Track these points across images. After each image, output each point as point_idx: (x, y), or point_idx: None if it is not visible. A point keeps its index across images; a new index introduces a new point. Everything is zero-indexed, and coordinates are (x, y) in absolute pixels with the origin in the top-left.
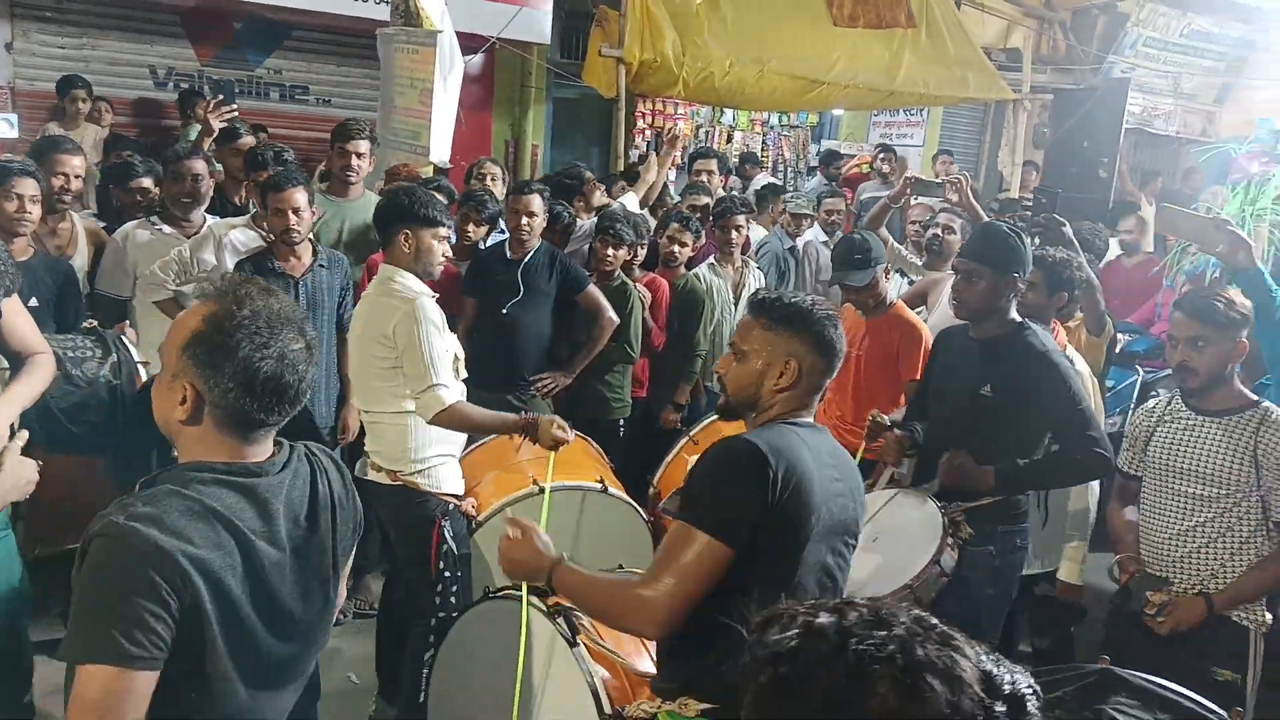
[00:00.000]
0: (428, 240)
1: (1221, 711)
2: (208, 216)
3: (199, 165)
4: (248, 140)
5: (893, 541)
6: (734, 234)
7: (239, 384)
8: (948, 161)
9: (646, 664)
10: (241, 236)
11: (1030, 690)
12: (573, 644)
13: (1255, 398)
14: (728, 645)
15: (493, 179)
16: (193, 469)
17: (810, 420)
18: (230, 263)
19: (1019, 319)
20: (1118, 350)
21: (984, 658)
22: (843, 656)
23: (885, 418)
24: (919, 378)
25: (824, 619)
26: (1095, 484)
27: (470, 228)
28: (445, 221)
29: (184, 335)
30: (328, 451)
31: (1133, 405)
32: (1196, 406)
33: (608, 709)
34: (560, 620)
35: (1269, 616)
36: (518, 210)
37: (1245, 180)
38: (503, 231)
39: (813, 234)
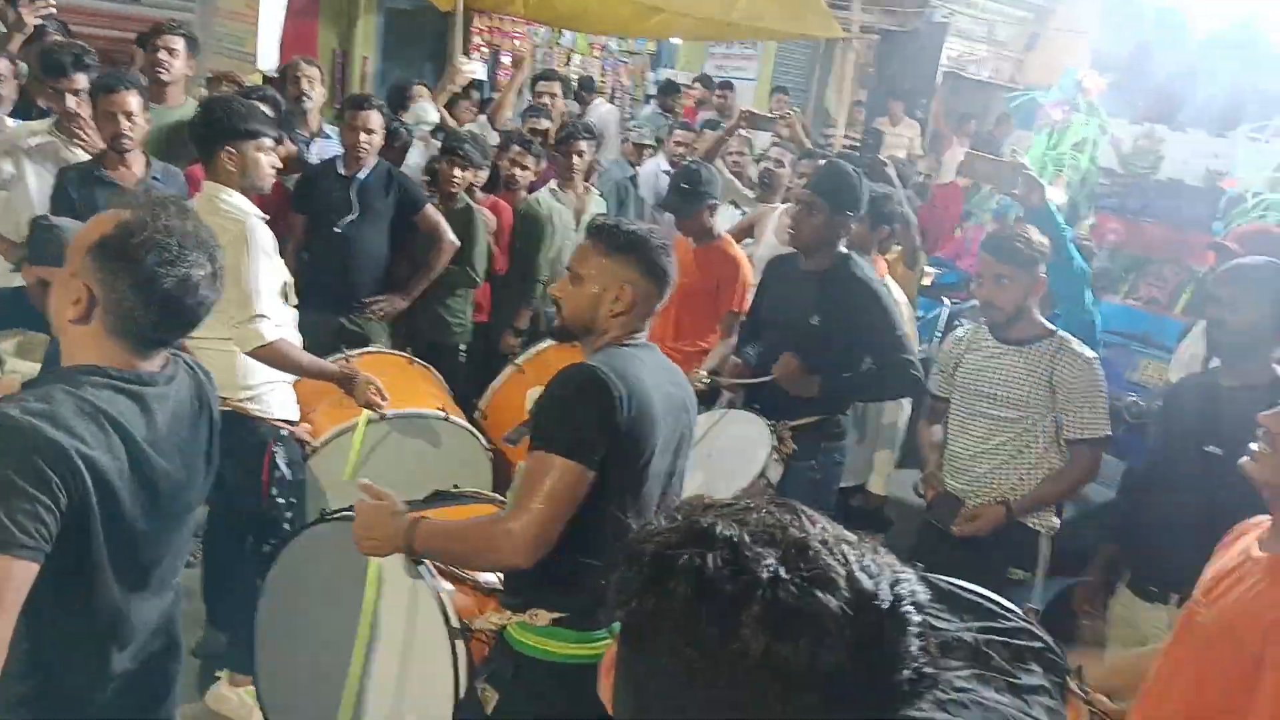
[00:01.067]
0: (253, 154)
1: (1016, 608)
2: (8, 121)
3: (0, 65)
4: (58, 39)
5: (723, 456)
6: (576, 159)
7: (137, 296)
8: (783, 99)
9: (492, 579)
10: (43, 144)
11: (908, 592)
12: (418, 561)
13: (1051, 328)
14: (572, 560)
15: (309, 82)
16: (84, 371)
17: (644, 340)
18: (31, 171)
19: (845, 251)
20: (929, 284)
21: (860, 573)
22: (695, 603)
23: (703, 374)
24: (739, 309)
25: (711, 561)
26: (907, 403)
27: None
28: (270, 132)
29: (93, 237)
30: (202, 366)
31: (940, 333)
32: (1000, 336)
33: (455, 622)
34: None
35: (1056, 521)
36: (356, 126)
37: (1049, 127)
38: (325, 135)
39: (655, 164)
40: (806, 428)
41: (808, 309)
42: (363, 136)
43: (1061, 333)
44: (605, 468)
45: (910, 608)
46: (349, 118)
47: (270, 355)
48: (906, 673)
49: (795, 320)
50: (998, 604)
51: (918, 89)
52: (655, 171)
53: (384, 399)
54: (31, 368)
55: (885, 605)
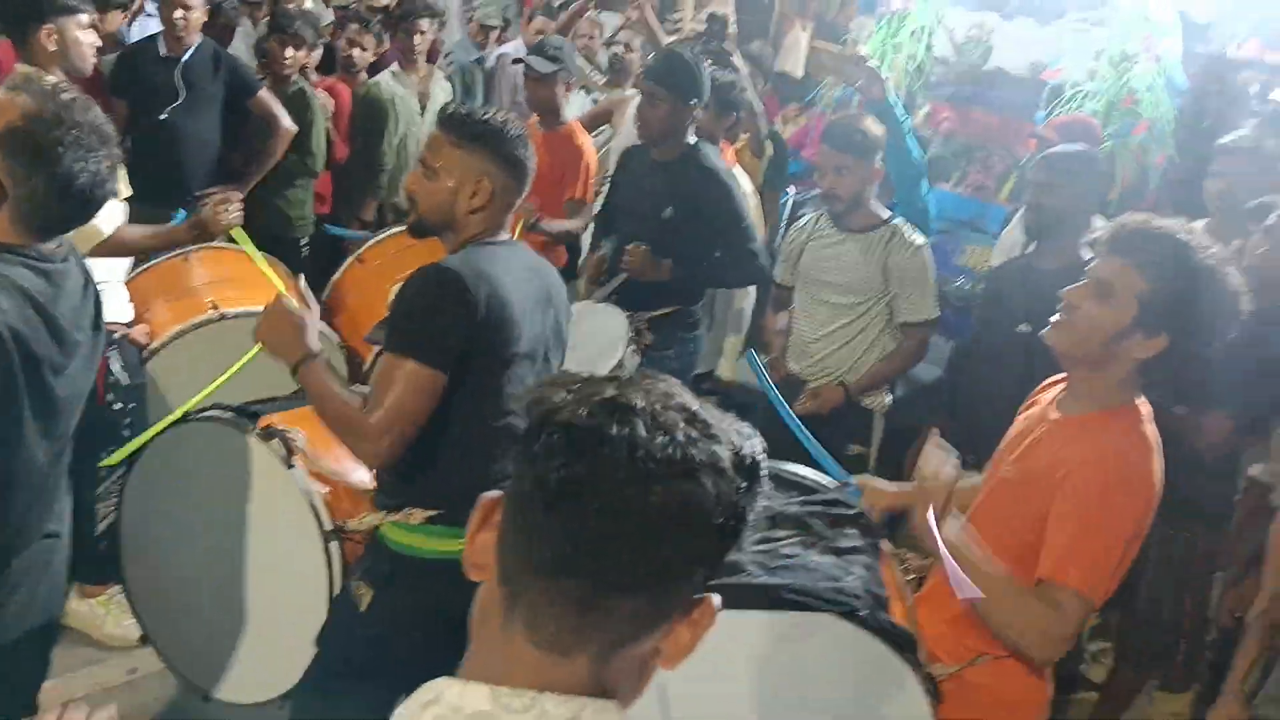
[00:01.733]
0: (73, 32)
1: (835, 483)
2: None
3: None
4: None
5: (583, 348)
6: (418, 38)
7: (52, 190)
8: None
9: (365, 478)
10: None
11: (761, 456)
12: (289, 465)
13: (886, 215)
14: (445, 459)
15: None
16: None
17: (506, 237)
18: None
19: (693, 141)
20: None
21: (732, 435)
22: (633, 464)
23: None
24: (582, 196)
25: (615, 429)
26: (752, 290)
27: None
28: (87, 7)
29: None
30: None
31: (784, 223)
32: (839, 225)
33: (328, 524)
34: (275, 442)
35: (889, 399)
36: (172, 2)
37: (888, 15)
38: (147, 13)
39: (513, 49)
40: (663, 318)
41: (659, 200)
42: (178, 12)
43: (896, 220)
44: (466, 369)
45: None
46: None
47: (113, 247)
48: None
49: (647, 212)
50: (817, 480)
51: None
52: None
53: (236, 210)
54: None
55: (757, 460)
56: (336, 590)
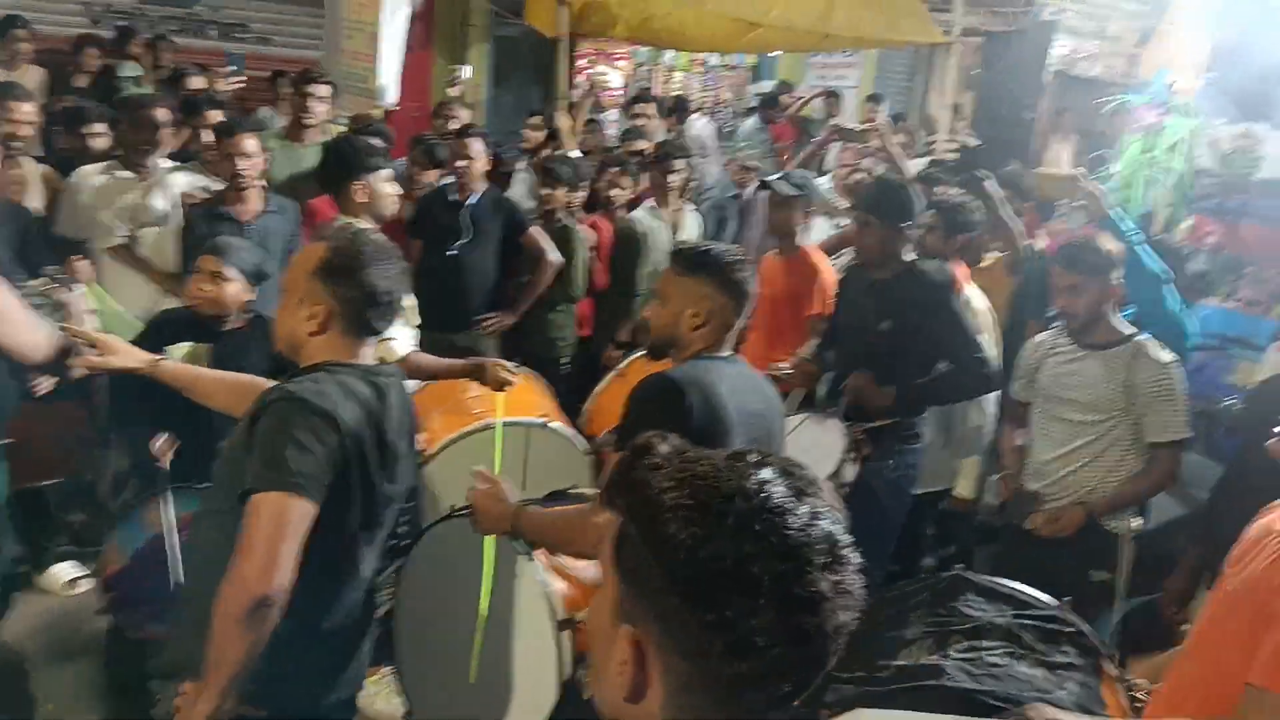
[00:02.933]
0: (379, 185)
1: (1052, 600)
2: (160, 162)
3: (161, 113)
4: (195, 81)
5: (801, 458)
6: (671, 178)
7: (366, 299)
8: (872, 108)
9: (595, 574)
10: (190, 182)
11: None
12: (529, 557)
13: (1130, 331)
14: None
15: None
16: (328, 366)
17: (728, 353)
18: (179, 207)
19: (910, 259)
20: None
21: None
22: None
23: (783, 367)
24: (821, 311)
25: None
26: (991, 407)
27: (419, 173)
28: (388, 164)
29: (313, 263)
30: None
31: None
32: (1079, 340)
33: (561, 615)
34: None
35: (1139, 523)
36: (458, 153)
37: (1142, 130)
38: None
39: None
40: (882, 430)
41: (877, 315)
42: (462, 163)
43: (1140, 336)
44: None
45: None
46: (453, 145)
47: (407, 368)
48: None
49: (866, 326)
50: (1032, 595)
51: (1023, 90)
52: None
53: (513, 374)
54: None
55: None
56: (565, 677)
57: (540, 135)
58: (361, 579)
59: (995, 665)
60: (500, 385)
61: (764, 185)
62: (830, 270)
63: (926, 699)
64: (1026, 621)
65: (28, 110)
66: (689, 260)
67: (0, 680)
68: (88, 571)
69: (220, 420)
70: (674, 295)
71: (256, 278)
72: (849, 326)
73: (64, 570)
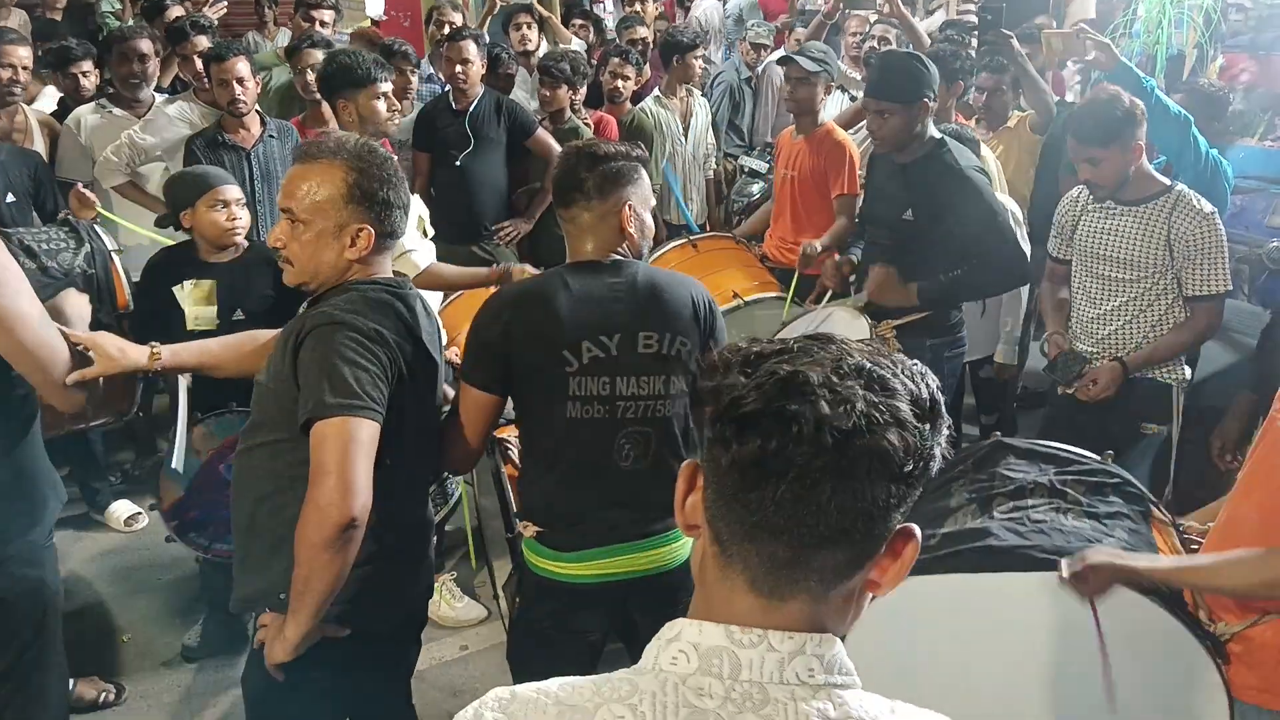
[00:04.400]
0: (367, 103)
1: (1095, 455)
2: (155, 95)
3: (145, 44)
4: (174, 11)
5: None
6: (695, 66)
7: (399, 209)
8: None
9: None
10: (182, 112)
11: (939, 394)
12: (496, 471)
13: (1167, 182)
14: (528, 479)
15: (449, 24)
16: (361, 283)
17: (599, 258)
18: (179, 139)
19: (939, 136)
20: None
21: (905, 382)
22: (820, 437)
23: (815, 244)
24: (850, 191)
25: (797, 405)
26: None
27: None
28: (380, 76)
29: (341, 187)
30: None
31: None
32: (1115, 197)
33: (514, 528)
34: (489, 451)
35: (1188, 372)
36: (452, 58)
37: None
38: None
39: (774, 61)
40: (912, 325)
41: (901, 204)
42: (458, 68)
43: (1179, 187)
44: (515, 389)
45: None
46: (445, 50)
47: (427, 280)
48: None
49: (890, 215)
50: (1074, 453)
51: None
52: (778, 71)
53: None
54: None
55: (936, 400)
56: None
57: (533, 34)
58: (422, 489)
59: (1041, 521)
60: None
61: (784, 61)
62: (854, 146)
63: (975, 560)
64: (1069, 477)
65: (23, 54)
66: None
67: (78, 614)
68: (141, 510)
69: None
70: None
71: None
72: (875, 215)
73: (122, 508)
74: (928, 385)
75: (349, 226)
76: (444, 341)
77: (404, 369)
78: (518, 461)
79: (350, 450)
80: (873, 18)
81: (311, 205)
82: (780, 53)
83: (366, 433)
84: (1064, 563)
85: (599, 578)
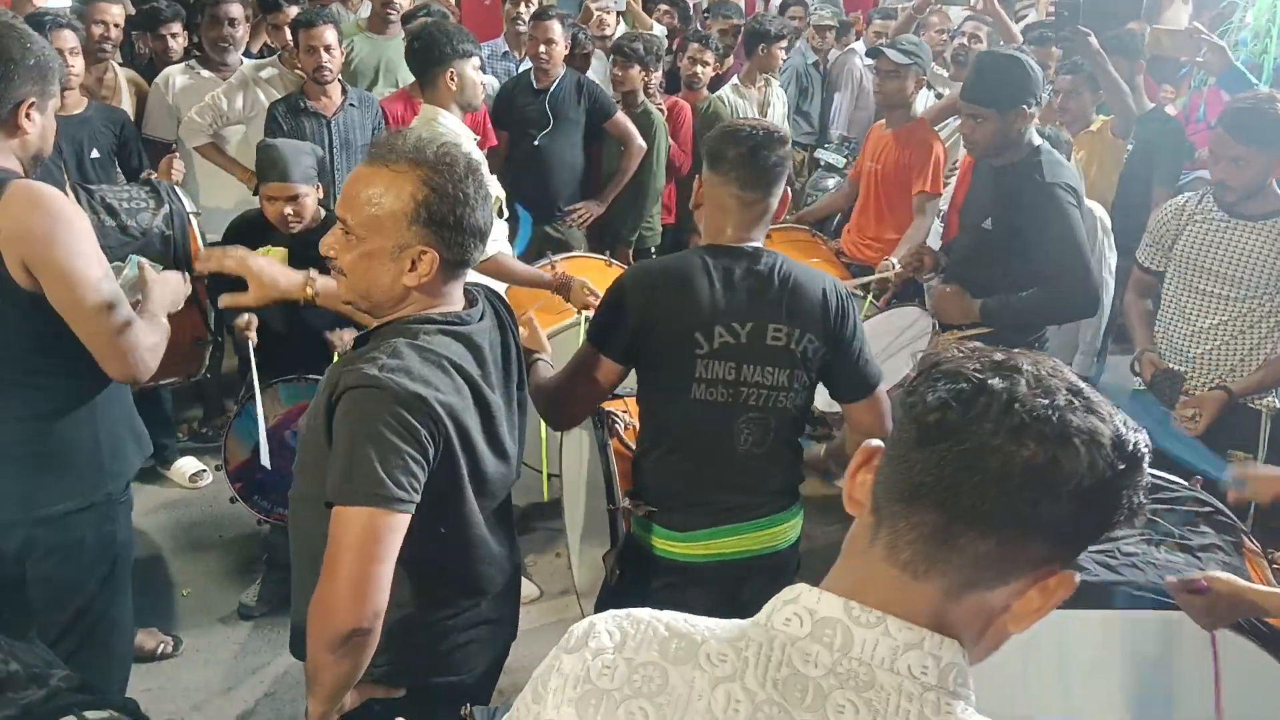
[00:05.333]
0: (469, 73)
1: (1184, 481)
2: (243, 60)
3: (235, 9)
4: None
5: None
6: (778, 57)
7: (471, 234)
8: None
9: None
10: (270, 76)
11: (1146, 448)
12: (603, 444)
13: None
14: (646, 459)
15: (527, 3)
16: (413, 322)
17: (744, 245)
18: (263, 104)
19: (1037, 144)
20: None
21: (1117, 421)
22: (1008, 415)
23: (894, 263)
24: (930, 190)
25: (996, 381)
26: (1110, 289)
27: None
28: (478, 50)
29: (408, 206)
30: (498, 294)
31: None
32: (1230, 209)
33: (618, 501)
34: (598, 423)
35: (1278, 402)
36: (537, 37)
37: None
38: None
39: (854, 50)
40: (979, 338)
41: (983, 210)
42: (543, 48)
43: None
44: (642, 365)
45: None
46: (530, 29)
47: (492, 269)
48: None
49: (974, 222)
50: (1164, 478)
51: None
52: (856, 62)
53: (597, 297)
54: None
55: (1140, 449)
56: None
57: (610, 17)
58: (489, 544)
59: (1133, 554)
60: (584, 307)
61: (873, 53)
62: (943, 144)
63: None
64: (1160, 506)
65: (116, 12)
66: (703, 140)
67: (139, 566)
68: (205, 468)
69: (312, 327)
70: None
71: (320, 174)
72: (963, 222)
73: (187, 464)
74: (1137, 435)
75: (411, 249)
76: (515, 325)
77: (452, 432)
78: (623, 436)
79: (367, 550)
80: (962, 13)
81: (369, 219)
82: (858, 44)
83: (388, 527)
84: (1175, 579)
85: (711, 557)
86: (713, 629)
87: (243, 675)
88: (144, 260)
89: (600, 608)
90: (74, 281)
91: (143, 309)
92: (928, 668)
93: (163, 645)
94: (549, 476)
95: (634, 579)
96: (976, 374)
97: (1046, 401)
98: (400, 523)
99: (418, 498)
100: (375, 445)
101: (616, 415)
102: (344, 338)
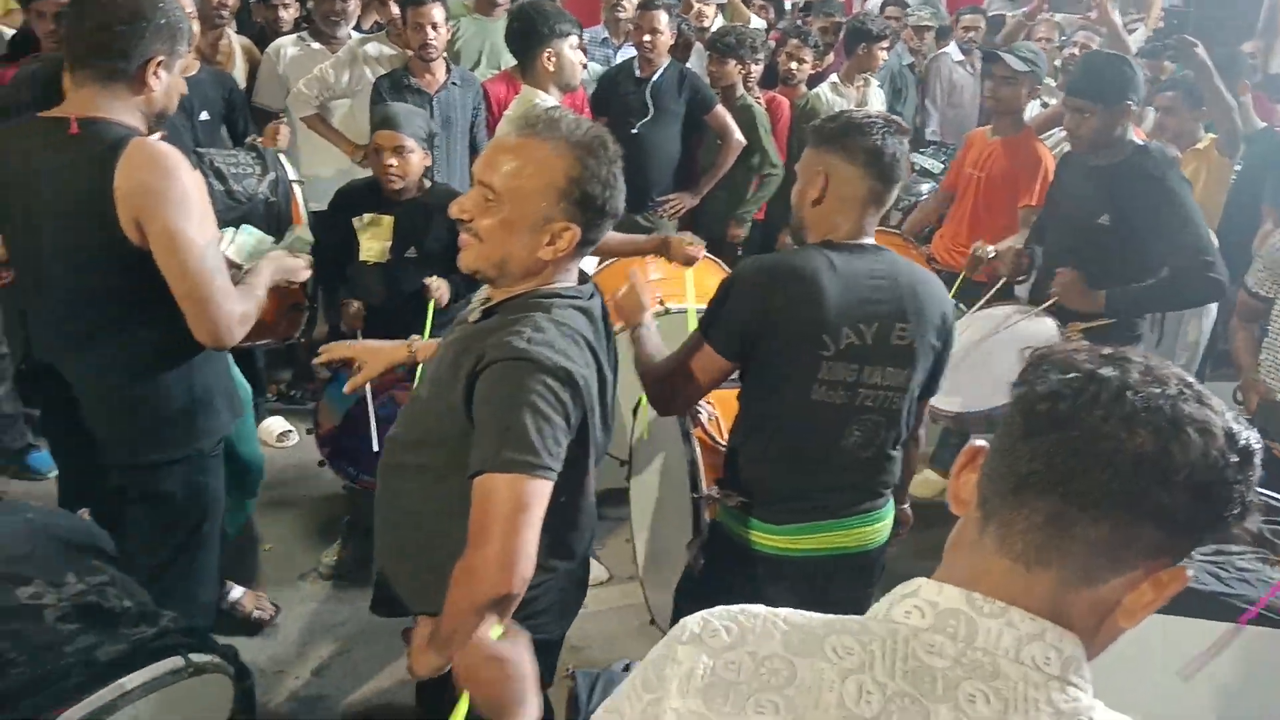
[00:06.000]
0: (567, 53)
1: None
2: (353, 34)
3: None
4: None
5: (1005, 354)
6: (879, 57)
7: (610, 216)
8: None
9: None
10: (378, 52)
11: (1258, 444)
12: (686, 433)
13: None
14: (748, 452)
15: None
16: (547, 295)
17: (863, 241)
18: (369, 79)
19: (1139, 142)
20: None
21: (1228, 416)
22: (1120, 402)
23: (989, 248)
24: (1036, 204)
25: (1108, 370)
26: (1212, 315)
27: None
28: (578, 30)
29: (560, 183)
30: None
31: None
32: None
33: (702, 490)
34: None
35: None
36: (642, 26)
37: None
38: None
39: (946, 52)
40: (1098, 330)
41: (1096, 208)
42: (648, 37)
43: None
44: (756, 362)
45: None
46: (637, 18)
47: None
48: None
49: (1083, 218)
50: (1276, 498)
51: None
52: (948, 60)
53: (699, 249)
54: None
55: (1253, 445)
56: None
57: (710, 10)
58: (590, 511)
59: (1246, 570)
60: (688, 261)
61: (989, 57)
62: (1051, 158)
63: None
64: (1277, 526)
65: None
66: (816, 129)
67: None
68: (292, 428)
69: (408, 294)
70: (802, 170)
71: (429, 142)
72: (1063, 217)
73: (276, 424)
74: (1249, 432)
75: (555, 223)
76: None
77: (588, 405)
78: (707, 427)
79: (519, 518)
80: (1077, 21)
81: (517, 190)
82: (952, 46)
83: (539, 495)
84: None
85: (804, 551)
86: (830, 623)
87: (318, 632)
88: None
89: (681, 597)
90: (179, 243)
91: (245, 279)
92: (1050, 659)
93: (259, 612)
94: (621, 463)
95: (719, 569)
96: (1086, 364)
97: (1159, 390)
98: (548, 489)
99: (560, 466)
100: (531, 415)
101: (700, 405)
102: (441, 287)
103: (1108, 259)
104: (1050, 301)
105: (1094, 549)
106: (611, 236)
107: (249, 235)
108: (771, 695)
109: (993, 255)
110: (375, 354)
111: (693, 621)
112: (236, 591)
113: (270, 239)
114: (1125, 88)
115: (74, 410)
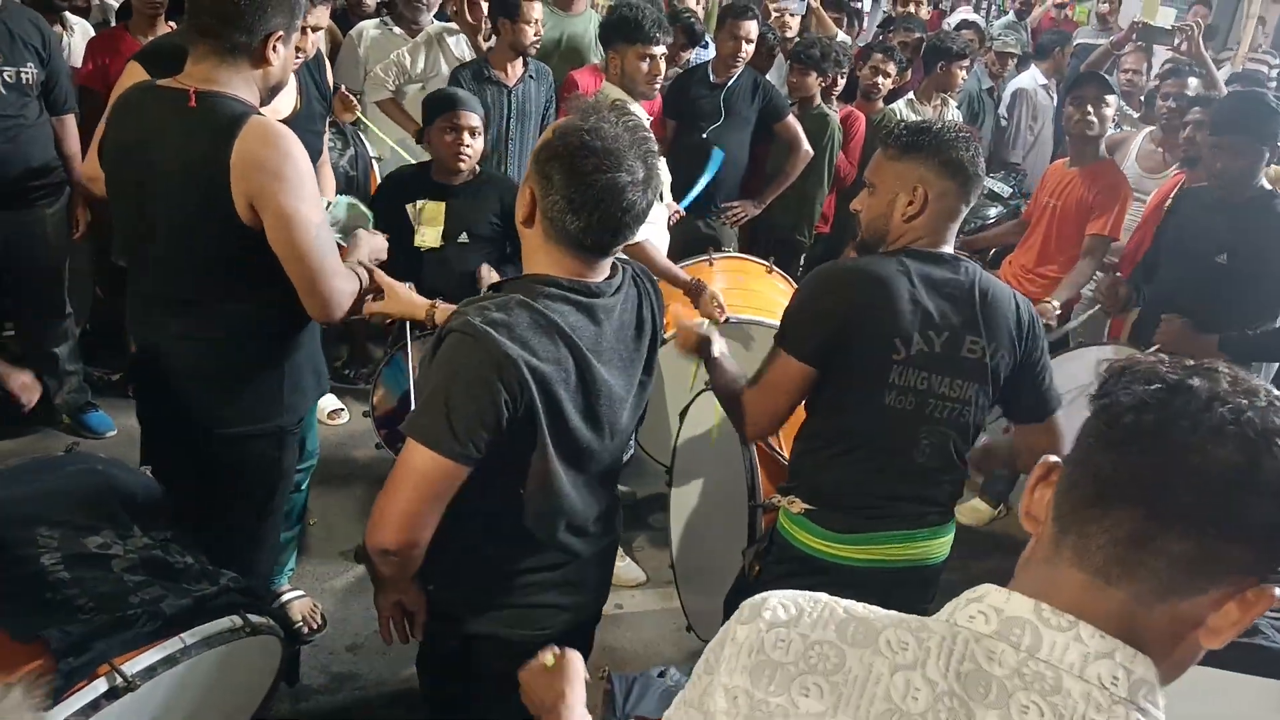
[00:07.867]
0: (632, 60)
1: None
2: (433, 20)
3: None
4: None
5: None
6: (958, 76)
7: (564, 199)
8: (1201, 11)
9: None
10: (457, 41)
11: None
12: (745, 439)
13: None
14: (816, 458)
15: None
16: (541, 282)
17: (942, 250)
18: (445, 67)
19: (1270, 188)
20: None
21: None
22: (1208, 413)
23: (1055, 306)
24: (1110, 234)
25: (1196, 381)
26: None
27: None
28: (656, 37)
29: (540, 142)
30: (649, 276)
31: None
32: None
33: (759, 497)
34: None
35: None
36: (737, 35)
37: None
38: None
39: (1031, 78)
40: None
41: (1217, 245)
42: (743, 46)
43: None
44: (836, 370)
45: None
46: (730, 26)
47: (635, 253)
48: None
49: (1202, 255)
50: None
51: None
52: (1034, 86)
53: (722, 312)
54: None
55: None
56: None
57: (794, 21)
58: (576, 513)
59: None
60: (709, 318)
61: (1083, 81)
62: (1130, 189)
63: (1239, 658)
64: None
65: None
66: (903, 140)
67: None
68: (343, 406)
69: (460, 276)
70: (886, 181)
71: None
72: (1179, 253)
73: (328, 402)
74: None
75: (526, 185)
76: (659, 309)
77: (537, 399)
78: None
79: (411, 483)
80: (1166, 53)
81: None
82: (1032, 73)
83: (441, 473)
84: None
85: (867, 561)
86: (891, 617)
87: (355, 608)
88: (358, 205)
89: (732, 604)
90: (294, 222)
91: (347, 256)
92: (1118, 679)
93: (306, 624)
94: (666, 469)
95: (776, 576)
96: (1172, 375)
97: (1248, 401)
98: (456, 472)
99: (479, 455)
100: (452, 394)
101: None
102: (492, 274)
103: (1219, 299)
104: (1154, 348)
105: (1176, 565)
106: (659, 256)
107: (340, 209)
108: (817, 679)
109: (1058, 309)
110: (399, 300)
111: (752, 601)
112: (291, 594)
113: (361, 206)
114: (1269, 130)
115: (168, 378)
